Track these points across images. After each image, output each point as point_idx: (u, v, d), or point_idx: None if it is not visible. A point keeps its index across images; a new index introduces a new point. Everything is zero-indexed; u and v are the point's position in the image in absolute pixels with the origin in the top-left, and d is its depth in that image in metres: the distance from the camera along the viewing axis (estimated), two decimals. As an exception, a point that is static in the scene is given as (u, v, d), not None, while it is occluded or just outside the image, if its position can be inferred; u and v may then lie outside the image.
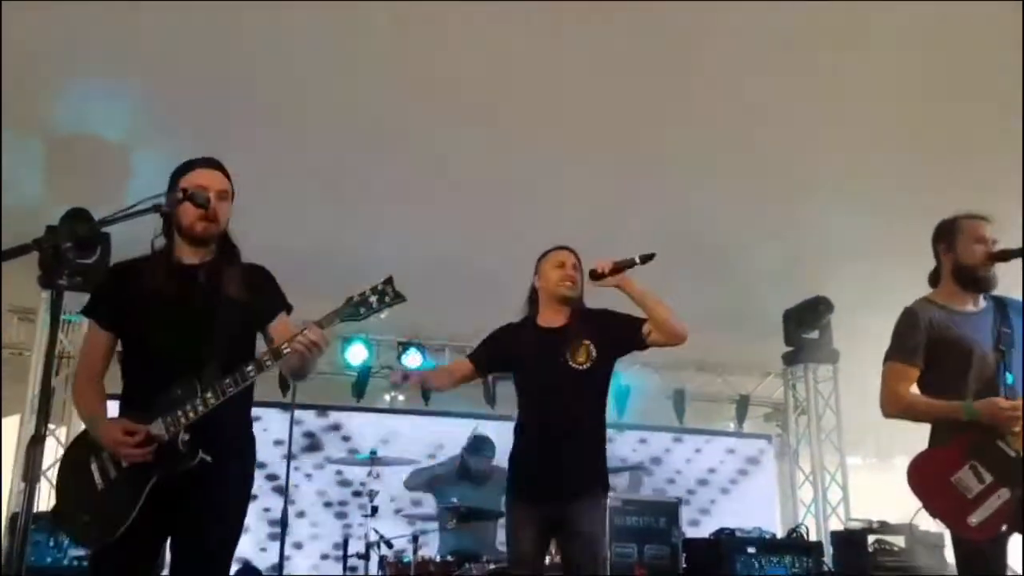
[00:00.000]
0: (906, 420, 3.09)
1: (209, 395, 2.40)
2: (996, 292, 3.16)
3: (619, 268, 3.20)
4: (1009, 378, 2.99)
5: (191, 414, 2.40)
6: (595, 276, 3.25)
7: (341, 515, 6.57)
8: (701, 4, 4.33)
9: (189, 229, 2.53)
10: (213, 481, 2.44)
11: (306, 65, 4.80)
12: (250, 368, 2.43)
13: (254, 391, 2.59)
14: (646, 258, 3.13)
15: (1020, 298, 3.19)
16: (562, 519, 3.16)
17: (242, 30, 4.53)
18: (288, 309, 2.72)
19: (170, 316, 2.49)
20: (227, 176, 2.63)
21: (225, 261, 2.61)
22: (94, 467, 2.46)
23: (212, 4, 4.27)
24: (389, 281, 2.53)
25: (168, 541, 2.51)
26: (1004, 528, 2.84)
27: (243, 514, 2.60)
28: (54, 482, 2.59)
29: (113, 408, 2.57)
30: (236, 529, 2.57)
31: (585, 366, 3.26)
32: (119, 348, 2.64)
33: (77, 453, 2.52)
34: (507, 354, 3.44)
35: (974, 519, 2.83)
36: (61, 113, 5.03)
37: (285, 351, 2.43)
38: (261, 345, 2.66)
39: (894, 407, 3.09)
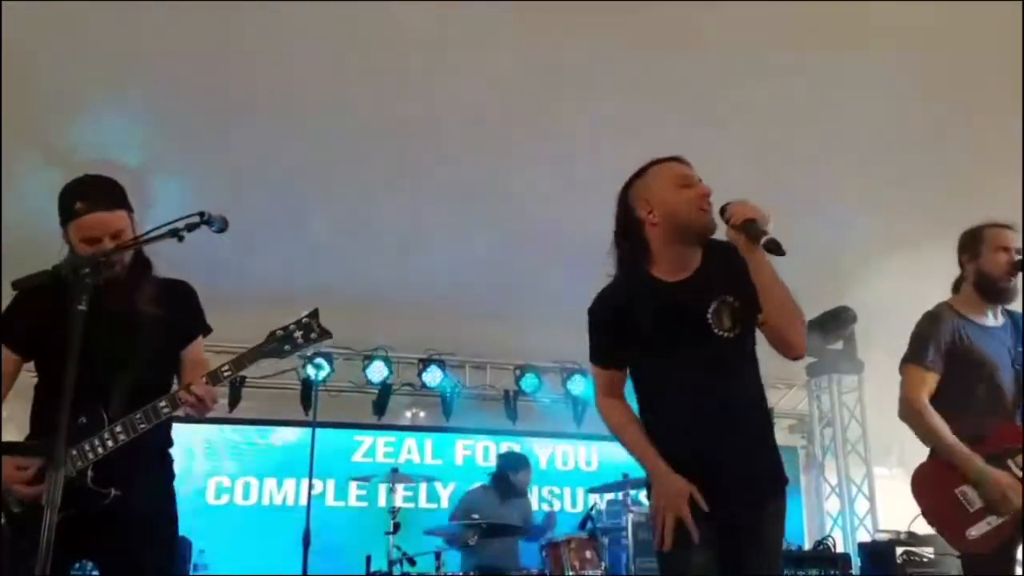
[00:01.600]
0: (917, 433, 3.03)
1: (119, 430, 2.27)
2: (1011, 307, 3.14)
3: (749, 231, 2.17)
4: None
5: (99, 449, 2.26)
6: (728, 220, 2.22)
7: (362, 532, 6.56)
8: (705, 5, 4.34)
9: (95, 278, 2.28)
10: (126, 515, 2.28)
11: (322, 82, 4.85)
12: (164, 405, 2.29)
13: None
14: (773, 247, 2.14)
15: None
16: (733, 529, 2.22)
17: (257, 52, 4.59)
18: (205, 332, 2.58)
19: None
20: (116, 201, 2.40)
21: (137, 278, 2.44)
22: None
23: (230, 26, 4.33)
24: (314, 315, 2.39)
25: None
26: (1001, 544, 2.81)
27: (171, 544, 2.45)
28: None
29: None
30: (169, 557, 2.45)
31: (733, 332, 2.26)
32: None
33: None
34: (624, 332, 2.31)
35: (973, 532, 2.82)
36: (80, 140, 5.12)
37: (181, 400, 2.31)
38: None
39: (914, 417, 3.02)
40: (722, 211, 2.25)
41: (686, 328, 2.26)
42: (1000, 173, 5.11)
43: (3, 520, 2.24)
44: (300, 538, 5.13)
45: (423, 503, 7.04)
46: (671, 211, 2.27)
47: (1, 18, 4.02)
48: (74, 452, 2.23)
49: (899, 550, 5.54)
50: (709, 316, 2.25)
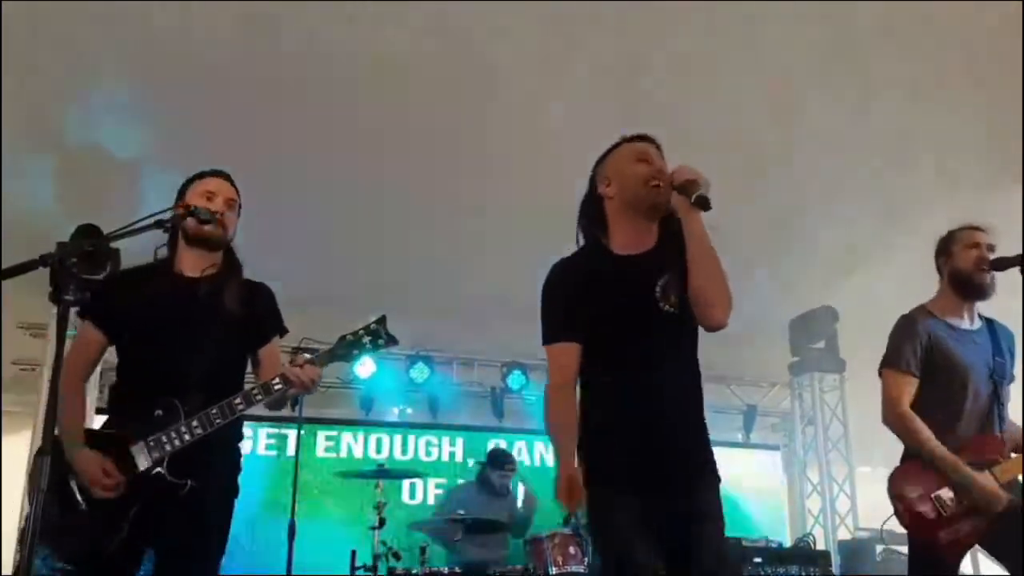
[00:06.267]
0: (900, 438, 3.08)
1: (195, 424, 2.37)
2: (991, 315, 3.20)
3: (684, 189, 2.25)
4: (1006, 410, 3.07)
5: (176, 442, 2.36)
6: (671, 181, 2.29)
7: (348, 527, 6.59)
8: (707, 3, 4.37)
9: (196, 232, 2.51)
10: (196, 505, 2.41)
11: (321, 79, 4.85)
12: (239, 402, 2.40)
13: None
14: (699, 202, 2.21)
15: (1010, 326, 3.23)
16: (680, 514, 2.24)
17: (255, 47, 4.58)
18: (282, 333, 2.71)
19: (162, 330, 2.45)
20: (236, 188, 2.65)
21: (227, 276, 2.59)
22: (73, 485, 2.40)
23: (227, 19, 4.33)
24: (382, 321, 2.49)
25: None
26: (963, 549, 2.93)
27: (226, 535, 2.56)
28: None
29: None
30: (219, 550, 2.55)
31: (674, 310, 2.32)
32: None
33: (56, 465, 2.38)
34: (579, 301, 2.34)
35: (944, 536, 2.91)
36: (73, 130, 5.11)
37: (276, 387, 2.43)
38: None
39: (898, 422, 3.05)
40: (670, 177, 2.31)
41: (635, 300, 2.32)
42: (1003, 177, 5.18)
43: (80, 500, 2.38)
44: (285, 532, 5.13)
45: (408, 499, 7.05)
46: (624, 183, 2.36)
47: (1, 15, 4.02)
48: (151, 443, 2.36)
49: (878, 547, 5.61)
50: (657, 290, 2.31)
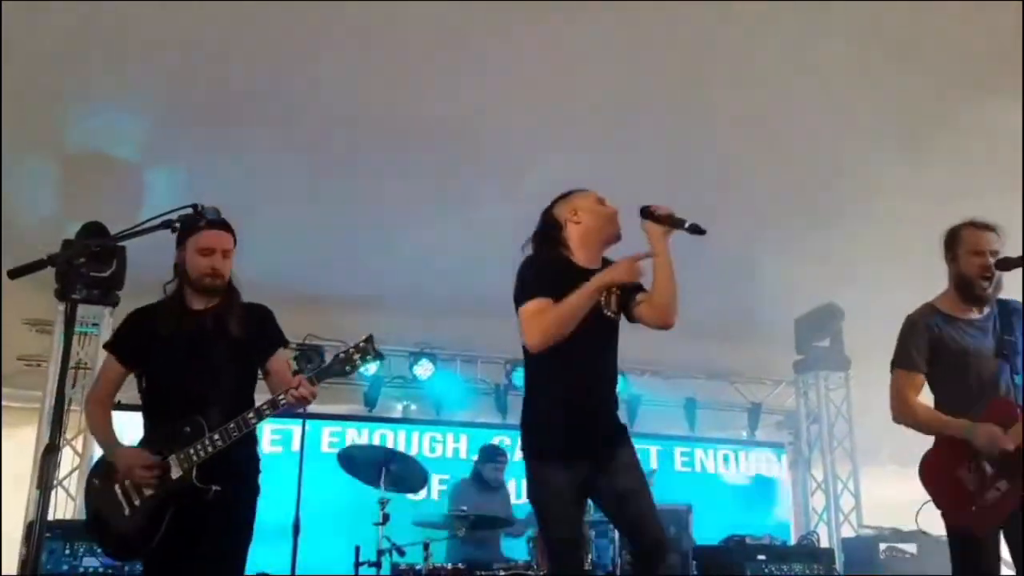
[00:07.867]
0: (913, 429, 3.16)
1: (216, 437, 2.73)
2: (1002, 295, 3.20)
3: (673, 221, 2.74)
4: (1018, 379, 3.07)
5: (201, 453, 2.74)
6: (647, 215, 2.78)
7: (352, 523, 6.60)
8: (714, 5, 4.35)
9: (197, 282, 2.88)
10: (223, 506, 2.78)
11: (322, 78, 4.84)
12: (252, 416, 2.75)
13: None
14: (695, 229, 2.69)
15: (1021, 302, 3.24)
16: (603, 466, 2.77)
17: (256, 47, 4.58)
18: (285, 344, 3.09)
19: (181, 359, 2.83)
20: (231, 233, 2.93)
21: (229, 305, 2.94)
22: (118, 491, 2.80)
23: (227, 20, 4.33)
24: (370, 340, 2.82)
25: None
26: (993, 525, 2.96)
27: (250, 531, 2.90)
28: (75, 493, 2.84)
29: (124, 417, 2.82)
30: (244, 545, 2.87)
31: (615, 316, 2.87)
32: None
33: (103, 477, 2.88)
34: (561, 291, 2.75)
35: (976, 509, 2.95)
36: (79, 132, 5.10)
37: (282, 402, 2.75)
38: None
39: (903, 416, 3.17)
40: (643, 210, 2.80)
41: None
42: (1006, 177, 5.17)
43: (124, 504, 2.77)
44: (290, 528, 5.14)
45: (411, 495, 7.05)
46: (594, 217, 2.90)
47: (1, 15, 4.03)
48: (180, 456, 2.74)
49: (882, 545, 5.61)
50: (601, 299, 2.80)
